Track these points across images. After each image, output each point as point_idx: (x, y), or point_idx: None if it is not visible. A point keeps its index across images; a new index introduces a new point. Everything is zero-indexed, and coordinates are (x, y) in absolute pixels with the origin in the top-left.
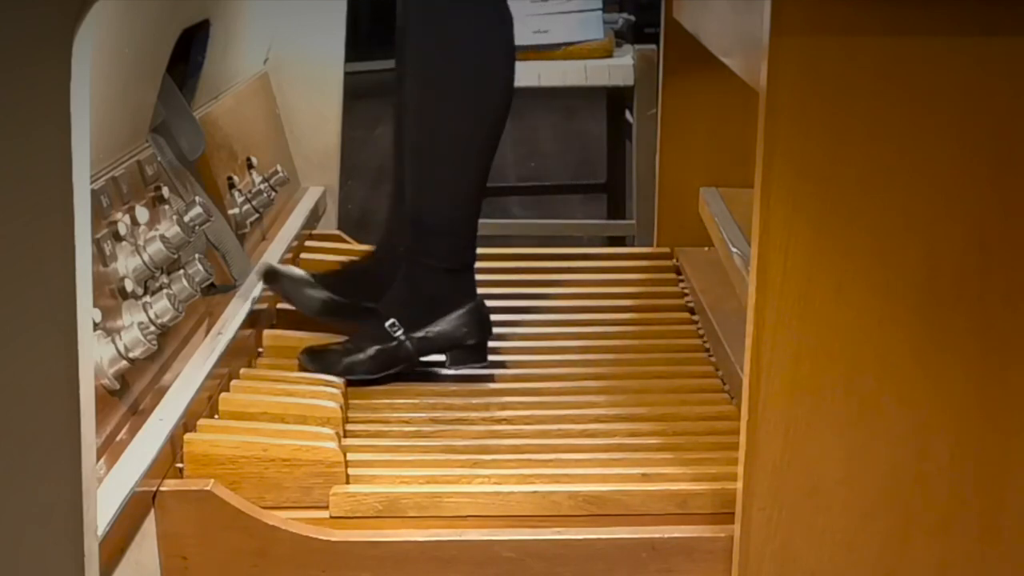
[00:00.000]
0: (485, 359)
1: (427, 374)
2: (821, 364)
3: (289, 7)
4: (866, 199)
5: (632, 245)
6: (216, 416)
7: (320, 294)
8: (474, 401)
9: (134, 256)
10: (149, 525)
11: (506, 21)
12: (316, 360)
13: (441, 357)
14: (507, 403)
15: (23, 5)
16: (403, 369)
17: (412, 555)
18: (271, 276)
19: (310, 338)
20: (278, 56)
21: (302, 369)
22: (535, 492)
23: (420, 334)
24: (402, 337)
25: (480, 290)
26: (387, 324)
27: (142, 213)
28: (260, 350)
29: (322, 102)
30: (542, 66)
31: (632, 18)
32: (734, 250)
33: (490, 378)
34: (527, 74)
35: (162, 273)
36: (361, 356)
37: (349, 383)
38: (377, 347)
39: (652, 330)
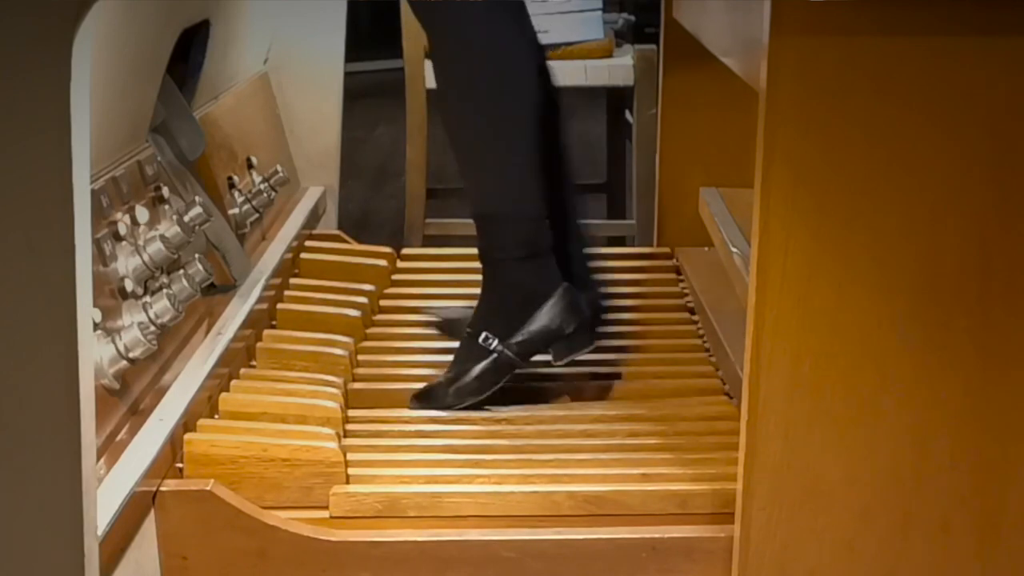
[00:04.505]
0: (591, 342)
1: (427, 375)
2: (821, 364)
3: (289, 7)
4: (866, 199)
5: (632, 245)
6: (216, 416)
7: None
8: None
9: (134, 256)
10: (149, 525)
11: (525, 24)
12: (424, 400)
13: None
14: (507, 403)
15: (23, 5)
16: (510, 379)
17: (412, 555)
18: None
19: (309, 338)
20: (278, 56)
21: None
22: (535, 492)
23: (518, 339)
24: (498, 348)
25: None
26: (480, 339)
27: (142, 213)
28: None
29: (322, 102)
30: None
31: (632, 18)
32: (734, 250)
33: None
34: None
35: (162, 273)
36: (467, 380)
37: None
38: (480, 365)
39: (652, 330)
